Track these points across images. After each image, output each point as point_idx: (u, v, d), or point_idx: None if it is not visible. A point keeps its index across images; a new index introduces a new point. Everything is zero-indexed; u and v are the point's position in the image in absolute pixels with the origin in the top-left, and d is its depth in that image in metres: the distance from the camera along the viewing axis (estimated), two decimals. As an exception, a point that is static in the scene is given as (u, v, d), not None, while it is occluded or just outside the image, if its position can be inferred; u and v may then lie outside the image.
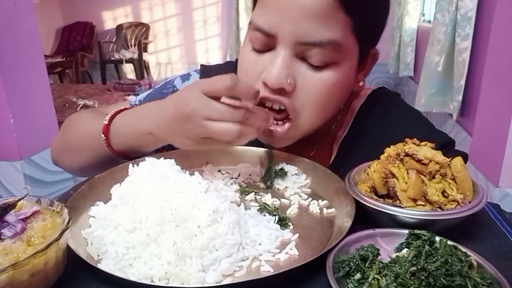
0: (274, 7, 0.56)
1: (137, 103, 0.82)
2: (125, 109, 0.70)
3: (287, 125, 0.63)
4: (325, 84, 0.59)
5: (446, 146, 0.69)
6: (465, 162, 0.70)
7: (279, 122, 0.63)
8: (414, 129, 0.70)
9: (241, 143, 0.56)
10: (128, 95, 4.00)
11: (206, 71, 0.83)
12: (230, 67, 0.82)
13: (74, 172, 0.82)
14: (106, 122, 0.67)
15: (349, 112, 0.74)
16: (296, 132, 0.64)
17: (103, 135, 0.66)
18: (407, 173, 0.54)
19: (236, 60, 0.81)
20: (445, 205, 0.52)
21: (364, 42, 0.62)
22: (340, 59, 0.59)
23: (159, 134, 0.61)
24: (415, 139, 0.59)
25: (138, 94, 0.87)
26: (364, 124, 0.72)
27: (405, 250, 0.45)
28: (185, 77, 0.83)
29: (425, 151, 0.55)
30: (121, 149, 0.68)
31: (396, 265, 0.41)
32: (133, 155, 0.68)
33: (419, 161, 0.54)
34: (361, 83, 0.68)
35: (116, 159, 0.69)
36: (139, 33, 5.72)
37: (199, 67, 0.85)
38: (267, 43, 0.60)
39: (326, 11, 0.55)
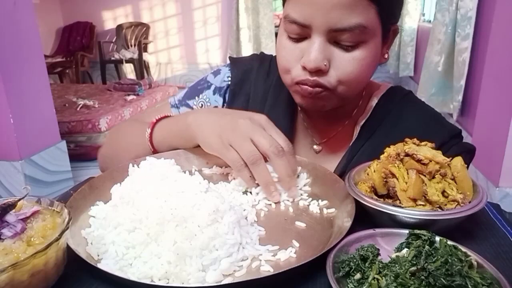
0: (307, 2, 0.65)
1: (176, 102, 0.91)
2: (163, 117, 0.78)
3: (323, 93, 0.69)
4: (356, 61, 0.67)
5: (457, 137, 0.76)
6: (473, 155, 0.76)
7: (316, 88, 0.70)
8: (426, 120, 0.78)
9: (239, 174, 0.62)
10: (128, 95, 3.99)
11: (235, 62, 0.91)
12: (256, 58, 0.91)
13: None
14: (149, 132, 0.75)
15: (370, 101, 0.82)
16: (334, 97, 0.71)
17: (149, 144, 0.75)
18: (407, 173, 0.54)
19: (261, 53, 0.93)
20: (445, 205, 0.52)
21: (386, 21, 0.69)
22: (367, 38, 0.66)
23: (196, 119, 0.68)
24: (415, 139, 0.59)
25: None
26: (382, 112, 0.79)
27: (405, 250, 0.45)
28: (216, 73, 0.91)
29: (425, 151, 0.55)
30: (159, 147, 0.75)
31: (396, 265, 0.41)
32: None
33: (419, 161, 0.54)
34: (386, 55, 0.75)
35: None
36: (139, 33, 5.72)
37: (227, 61, 0.93)
38: (302, 33, 0.67)
39: (352, 0, 0.63)
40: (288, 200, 0.61)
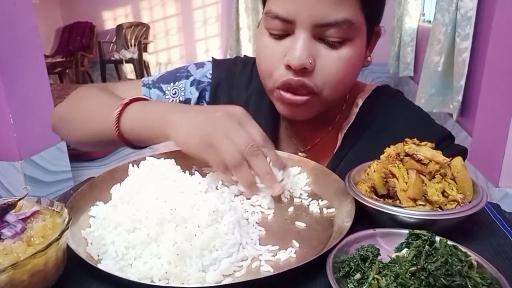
0: None
1: (150, 82, 0.85)
2: (137, 99, 0.70)
3: (308, 97, 0.66)
4: (343, 60, 0.64)
5: (447, 140, 0.73)
6: (465, 157, 0.74)
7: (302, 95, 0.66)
8: (415, 123, 0.74)
9: (224, 175, 0.59)
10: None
11: (218, 63, 0.86)
12: (239, 61, 0.86)
13: (70, 142, 0.84)
14: (118, 112, 0.67)
15: (354, 104, 0.78)
16: (319, 104, 0.68)
17: (115, 125, 0.67)
18: (407, 173, 0.54)
19: (245, 56, 0.87)
20: (445, 205, 0.52)
21: (371, 20, 0.67)
22: (353, 36, 0.64)
23: (171, 115, 0.62)
24: (415, 139, 0.59)
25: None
26: (368, 116, 0.76)
27: (405, 250, 0.45)
28: (199, 65, 0.86)
29: (425, 151, 0.55)
30: (129, 139, 0.69)
31: (396, 265, 0.41)
32: (140, 145, 0.70)
33: (419, 161, 0.54)
34: (368, 58, 0.72)
35: (120, 143, 0.71)
36: (139, 33, 5.72)
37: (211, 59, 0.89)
38: (285, 29, 0.64)
39: None
40: (286, 198, 0.61)
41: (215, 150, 0.56)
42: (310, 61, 0.62)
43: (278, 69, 0.65)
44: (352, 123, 0.76)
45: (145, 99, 0.72)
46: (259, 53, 0.69)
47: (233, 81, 0.83)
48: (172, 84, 0.84)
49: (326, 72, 0.64)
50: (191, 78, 0.84)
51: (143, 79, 0.86)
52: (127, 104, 0.68)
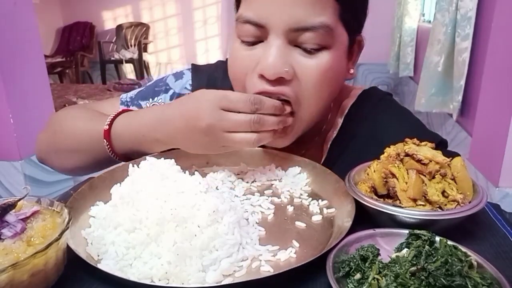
0: None
1: (128, 99, 0.82)
2: (123, 111, 0.69)
3: (290, 119, 0.62)
4: (321, 68, 0.59)
5: (438, 146, 0.69)
6: None
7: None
8: (404, 130, 0.70)
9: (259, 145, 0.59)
10: (128, 95, 3.99)
11: (197, 71, 0.82)
12: (221, 66, 0.82)
13: (64, 171, 0.81)
14: (107, 127, 0.66)
15: (339, 112, 0.74)
16: (299, 126, 0.64)
17: (105, 141, 0.66)
18: (407, 173, 0.54)
19: (227, 59, 0.81)
20: (445, 205, 0.52)
21: (351, 29, 0.63)
22: (332, 43, 0.59)
23: (171, 144, 0.62)
24: (415, 139, 0.59)
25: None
26: (354, 124, 0.72)
27: (405, 250, 0.45)
28: (178, 76, 0.82)
29: (425, 151, 0.55)
30: (123, 153, 0.69)
31: (396, 265, 0.41)
32: (136, 157, 0.69)
33: (419, 161, 0.54)
34: (351, 71, 0.68)
35: (116, 160, 0.70)
36: (139, 33, 5.72)
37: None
38: (257, 35, 0.59)
39: None
40: (286, 198, 0.61)
41: (193, 151, 0.58)
42: (286, 69, 0.57)
43: (251, 81, 0.60)
44: (337, 134, 0.72)
45: (128, 111, 0.70)
46: (230, 63, 0.64)
47: (216, 87, 0.77)
48: (151, 100, 0.80)
49: (304, 81, 0.59)
50: (171, 92, 0.80)
51: (120, 96, 0.83)
52: (112, 120, 0.67)
